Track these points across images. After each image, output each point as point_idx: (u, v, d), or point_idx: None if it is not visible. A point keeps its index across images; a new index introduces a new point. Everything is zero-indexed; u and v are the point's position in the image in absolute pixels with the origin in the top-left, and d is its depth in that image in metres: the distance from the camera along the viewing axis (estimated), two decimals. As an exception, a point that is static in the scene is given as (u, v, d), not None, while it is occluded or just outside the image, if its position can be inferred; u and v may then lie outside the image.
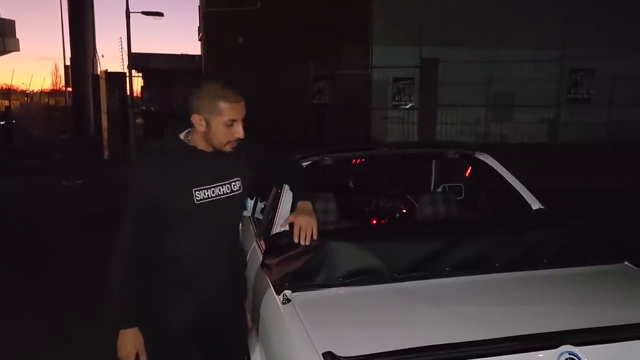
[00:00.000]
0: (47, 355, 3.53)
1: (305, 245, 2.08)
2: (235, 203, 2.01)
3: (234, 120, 1.86)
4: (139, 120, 15.08)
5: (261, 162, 2.13)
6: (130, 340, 1.88)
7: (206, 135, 1.88)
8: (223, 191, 1.93)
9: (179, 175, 1.86)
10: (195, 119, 1.86)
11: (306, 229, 2.02)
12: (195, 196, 1.87)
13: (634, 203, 7.47)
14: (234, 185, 1.96)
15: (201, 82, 1.91)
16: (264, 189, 3.55)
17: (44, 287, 4.75)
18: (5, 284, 4.79)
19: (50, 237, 6.42)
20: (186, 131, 1.94)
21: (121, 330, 1.88)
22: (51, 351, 3.54)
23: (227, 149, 1.90)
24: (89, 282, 4.75)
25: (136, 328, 1.89)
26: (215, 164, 1.92)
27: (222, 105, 1.83)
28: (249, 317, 2.54)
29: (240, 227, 3.88)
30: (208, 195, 1.90)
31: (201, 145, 1.91)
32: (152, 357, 1.98)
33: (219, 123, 1.84)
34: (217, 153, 1.92)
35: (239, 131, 1.87)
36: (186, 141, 1.93)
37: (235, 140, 1.89)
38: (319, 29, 13.93)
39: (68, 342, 3.62)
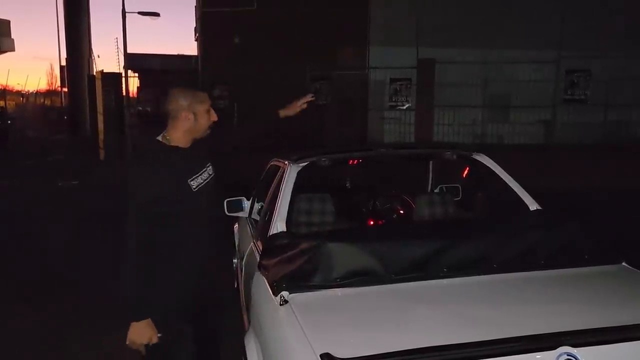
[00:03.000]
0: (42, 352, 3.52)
1: (304, 247, 2.07)
2: (213, 184, 2.35)
3: (209, 107, 2.27)
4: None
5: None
6: (146, 329, 2.05)
7: (192, 128, 2.22)
8: (206, 176, 2.29)
9: (172, 171, 2.15)
10: (183, 115, 2.20)
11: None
12: (191, 185, 2.19)
13: (631, 203, 7.50)
14: (209, 170, 2.33)
15: (172, 93, 2.25)
16: (260, 191, 3.54)
17: (38, 286, 4.72)
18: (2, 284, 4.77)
19: (45, 236, 6.39)
20: (161, 135, 2.23)
21: (136, 322, 2.04)
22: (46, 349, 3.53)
23: (207, 133, 2.28)
24: (83, 281, 4.74)
25: (149, 319, 2.06)
26: (193, 156, 2.26)
27: (202, 96, 2.27)
28: (245, 318, 2.54)
29: (237, 227, 3.90)
30: (199, 182, 2.23)
31: (180, 142, 2.22)
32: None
33: (203, 111, 2.24)
34: (190, 148, 2.25)
35: (214, 115, 2.29)
36: (165, 142, 2.22)
37: (212, 124, 2.28)
38: (315, 30, 13.93)
39: (62, 340, 3.61)
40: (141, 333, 2.05)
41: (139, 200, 2.07)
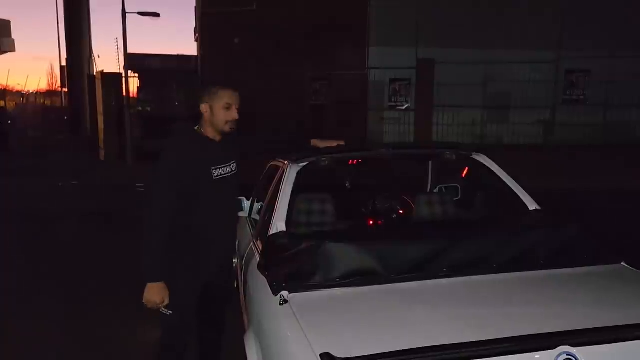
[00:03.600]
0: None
1: (303, 246, 2.07)
2: (236, 179, 2.58)
3: (230, 104, 2.43)
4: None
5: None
6: (159, 291, 2.30)
7: (211, 120, 2.44)
8: (228, 170, 2.51)
9: (200, 158, 2.41)
10: (203, 107, 2.44)
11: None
12: (213, 173, 2.43)
13: (630, 203, 7.51)
14: (232, 166, 2.55)
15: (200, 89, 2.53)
16: (260, 191, 3.55)
17: (37, 286, 4.72)
18: (2, 283, 4.77)
19: (46, 236, 6.39)
20: (197, 126, 2.50)
21: (151, 284, 2.29)
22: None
23: (227, 129, 2.45)
24: (82, 280, 4.74)
25: (163, 282, 2.31)
26: (221, 150, 2.49)
27: (221, 91, 2.44)
28: (245, 317, 2.54)
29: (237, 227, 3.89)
30: (220, 173, 2.46)
31: (208, 133, 2.47)
32: (169, 307, 2.39)
33: (219, 106, 2.42)
34: (221, 142, 2.49)
35: (234, 113, 2.44)
36: (200, 132, 2.48)
37: (232, 121, 2.44)
38: (315, 30, 13.94)
39: (62, 341, 3.61)
40: (155, 293, 2.29)
41: (165, 176, 2.33)
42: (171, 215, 2.31)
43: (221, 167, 2.47)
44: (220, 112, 2.42)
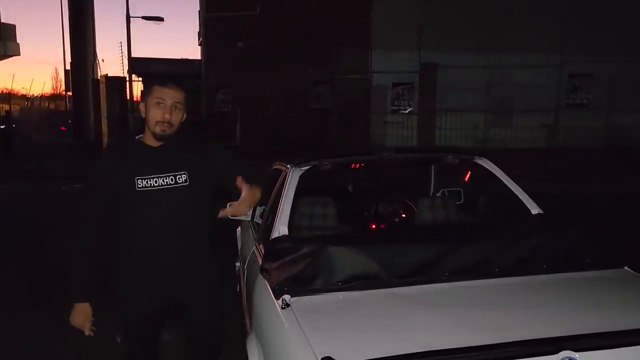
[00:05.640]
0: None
1: (305, 250, 2.08)
2: (183, 193, 2.15)
3: (162, 100, 2.09)
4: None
5: (223, 164, 2.34)
6: (81, 312, 2.14)
7: (146, 120, 2.13)
8: (167, 182, 2.13)
9: (125, 166, 2.12)
10: (141, 107, 2.18)
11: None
12: (137, 184, 2.09)
13: (633, 207, 7.48)
14: (179, 177, 2.15)
15: None
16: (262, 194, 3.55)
17: (39, 289, 4.73)
18: (3, 287, 4.78)
19: (46, 240, 6.40)
20: (142, 134, 2.22)
21: (76, 304, 2.14)
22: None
23: (157, 130, 2.11)
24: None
25: (88, 303, 2.15)
26: (161, 158, 2.15)
27: (153, 87, 2.13)
28: (247, 321, 2.54)
29: (239, 230, 3.90)
30: (150, 184, 2.11)
31: (148, 139, 2.17)
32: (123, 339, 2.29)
33: (151, 103, 2.11)
34: (163, 148, 2.16)
35: (164, 112, 2.09)
36: (138, 139, 2.20)
37: (164, 122, 2.09)
38: (318, 34, 13.99)
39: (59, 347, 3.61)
40: (78, 314, 2.14)
41: (88, 190, 2.22)
42: (100, 231, 2.12)
43: (152, 178, 2.10)
44: (150, 109, 2.10)
